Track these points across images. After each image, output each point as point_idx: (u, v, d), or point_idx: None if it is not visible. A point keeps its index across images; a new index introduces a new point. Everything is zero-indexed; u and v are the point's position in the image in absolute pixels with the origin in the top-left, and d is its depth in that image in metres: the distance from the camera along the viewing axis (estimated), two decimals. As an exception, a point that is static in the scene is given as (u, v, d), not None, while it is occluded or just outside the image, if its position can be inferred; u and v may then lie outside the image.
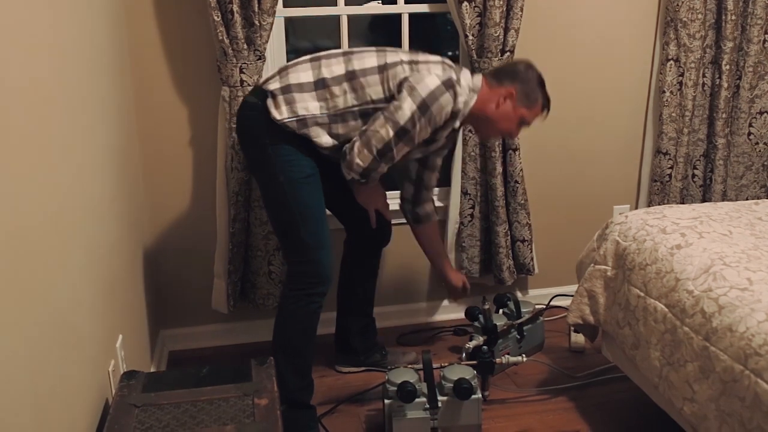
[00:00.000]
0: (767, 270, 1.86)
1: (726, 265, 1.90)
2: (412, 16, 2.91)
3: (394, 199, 2.83)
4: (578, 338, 2.87)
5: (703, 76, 3.06)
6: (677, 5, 2.93)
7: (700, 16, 2.94)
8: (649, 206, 3.12)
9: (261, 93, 2.23)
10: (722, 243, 2.03)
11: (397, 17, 2.91)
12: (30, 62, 1.42)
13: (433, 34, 3.68)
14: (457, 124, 2.29)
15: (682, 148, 3.09)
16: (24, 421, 1.23)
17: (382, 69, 2.22)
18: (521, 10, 2.74)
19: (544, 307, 3.14)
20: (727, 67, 3.02)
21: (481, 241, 3.04)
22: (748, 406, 1.64)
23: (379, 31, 3.73)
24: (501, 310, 2.86)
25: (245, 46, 2.56)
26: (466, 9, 2.71)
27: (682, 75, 3.02)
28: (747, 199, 3.22)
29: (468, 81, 2.29)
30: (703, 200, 3.22)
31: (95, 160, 1.92)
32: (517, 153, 2.91)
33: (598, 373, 2.71)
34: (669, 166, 3.11)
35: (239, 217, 2.71)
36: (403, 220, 2.67)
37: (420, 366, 2.30)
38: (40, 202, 1.42)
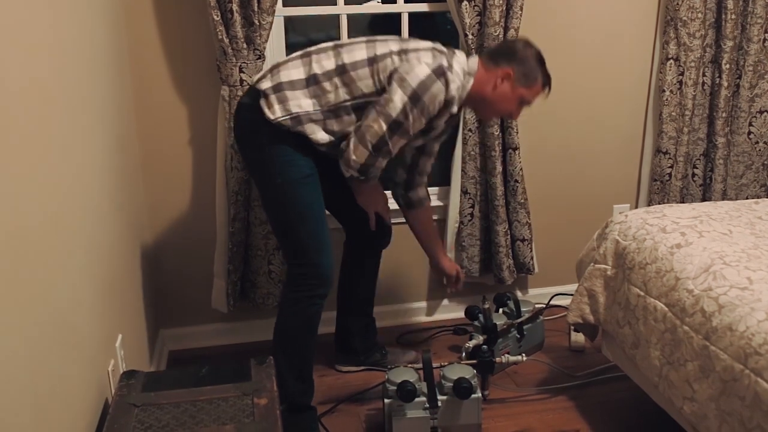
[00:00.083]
0: (767, 269, 1.86)
1: (726, 265, 1.90)
2: (411, 15, 2.91)
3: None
4: (578, 337, 2.87)
5: (703, 75, 3.06)
6: (677, 4, 2.93)
7: (700, 15, 2.94)
8: (649, 205, 3.11)
9: (254, 93, 2.22)
10: (722, 242, 2.03)
11: (397, 16, 2.91)
12: (30, 62, 1.42)
13: (433, 34, 3.67)
14: (455, 109, 2.26)
15: (682, 148, 3.09)
16: (24, 420, 1.23)
17: (372, 61, 2.19)
18: (521, 9, 2.74)
19: (544, 306, 3.14)
20: (727, 66, 3.02)
21: (481, 241, 3.04)
22: (748, 405, 1.64)
23: (379, 30, 3.70)
24: (501, 310, 2.86)
25: (245, 46, 2.56)
26: (466, 8, 2.71)
27: (682, 74, 3.02)
28: (747, 198, 3.21)
29: (462, 64, 2.25)
30: (703, 199, 3.22)
31: (95, 160, 1.92)
32: (517, 152, 2.91)
33: (598, 372, 2.71)
34: (669, 165, 3.11)
35: (239, 216, 2.71)
36: (403, 220, 2.67)
37: (420, 365, 2.30)
38: (40, 202, 1.42)
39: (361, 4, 3.24)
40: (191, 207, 2.85)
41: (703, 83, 3.07)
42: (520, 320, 2.77)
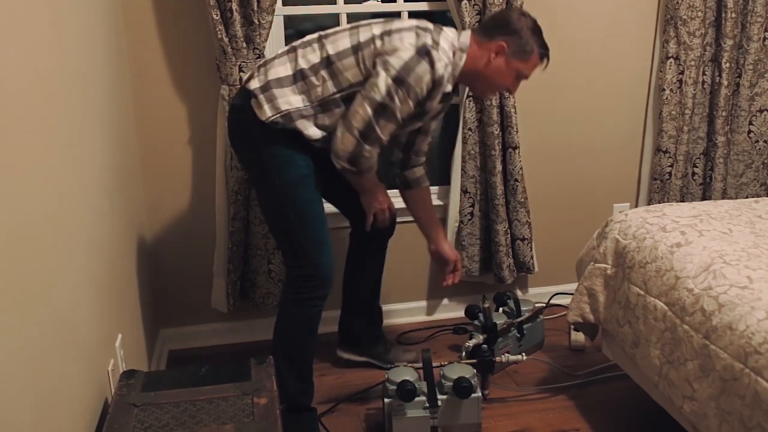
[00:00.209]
0: (767, 268, 1.85)
1: (726, 263, 1.90)
2: (411, 13, 2.91)
3: (399, 197, 2.83)
4: (578, 336, 2.87)
5: (703, 74, 3.06)
6: (677, 3, 2.93)
7: (699, 13, 2.93)
8: (649, 204, 3.11)
9: (244, 93, 2.20)
10: (722, 241, 2.03)
11: (396, 15, 2.91)
12: (29, 61, 1.42)
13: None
14: (449, 87, 2.20)
15: (682, 146, 3.09)
16: (24, 420, 1.23)
17: (356, 49, 2.15)
18: (521, 6, 2.74)
19: (544, 305, 3.14)
20: (727, 65, 3.02)
21: (481, 240, 3.03)
22: (748, 404, 1.64)
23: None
24: (501, 309, 2.86)
25: (244, 45, 2.56)
26: (466, 7, 2.71)
27: (682, 73, 3.02)
28: (747, 197, 3.21)
29: (452, 41, 2.18)
30: (703, 198, 3.22)
31: (94, 159, 1.92)
32: (517, 151, 2.91)
33: (598, 371, 2.71)
34: (669, 164, 3.11)
35: (239, 215, 2.70)
36: (406, 218, 2.67)
37: (420, 365, 2.30)
38: (40, 202, 1.42)
39: (360, 2, 3.24)
40: (191, 206, 2.84)
41: (703, 82, 3.07)
42: (520, 319, 2.77)
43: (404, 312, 3.13)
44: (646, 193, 3.22)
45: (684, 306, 1.91)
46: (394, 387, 2.23)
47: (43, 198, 1.44)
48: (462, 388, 2.21)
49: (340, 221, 2.68)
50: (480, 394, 2.28)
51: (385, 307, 3.03)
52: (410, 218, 2.86)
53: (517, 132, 2.89)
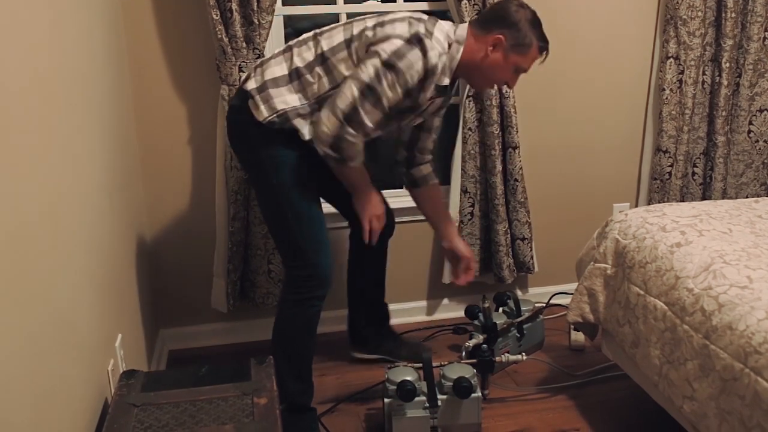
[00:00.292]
0: (767, 268, 1.85)
1: (726, 263, 1.90)
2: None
3: (397, 197, 2.83)
4: (578, 336, 2.87)
5: (703, 73, 3.06)
6: (677, 3, 2.93)
7: (699, 13, 2.93)
8: (649, 204, 3.11)
9: (242, 94, 2.19)
10: (722, 241, 2.03)
11: (397, 15, 2.91)
12: (29, 61, 1.42)
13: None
14: (446, 80, 2.16)
15: (682, 146, 3.09)
16: (23, 420, 1.23)
17: (349, 42, 2.13)
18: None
19: (544, 305, 3.14)
20: (727, 64, 3.02)
21: (481, 240, 3.03)
22: (748, 404, 1.64)
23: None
24: (501, 309, 2.86)
25: (244, 45, 2.56)
26: (465, 7, 2.71)
27: (681, 73, 3.02)
28: (747, 197, 3.21)
29: (448, 32, 2.14)
30: (703, 198, 3.22)
31: (94, 159, 1.92)
32: (516, 151, 2.91)
33: (598, 371, 2.71)
34: (669, 164, 3.11)
35: (239, 215, 2.70)
36: (405, 218, 2.67)
37: (419, 364, 2.30)
38: (40, 202, 1.42)
39: (360, 2, 3.23)
40: (191, 206, 2.84)
41: (703, 82, 3.07)
42: (520, 319, 2.77)
43: (404, 312, 3.13)
44: (646, 192, 3.22)
45: (684, 306, 1.91)
46: (394, 387, 2.23)
47: (43, 198, 1.44)
48: (462, 388, 2.21)
49: (340, 221, 2.68)
50: (480, 394, 2.28)
51: (385, 307, 3.04)
52: (409, 218, 2.87)
53: (517, 132, 2.89)
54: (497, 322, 2.66)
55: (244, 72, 2.57)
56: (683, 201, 3.18)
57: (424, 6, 2.89)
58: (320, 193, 2.35)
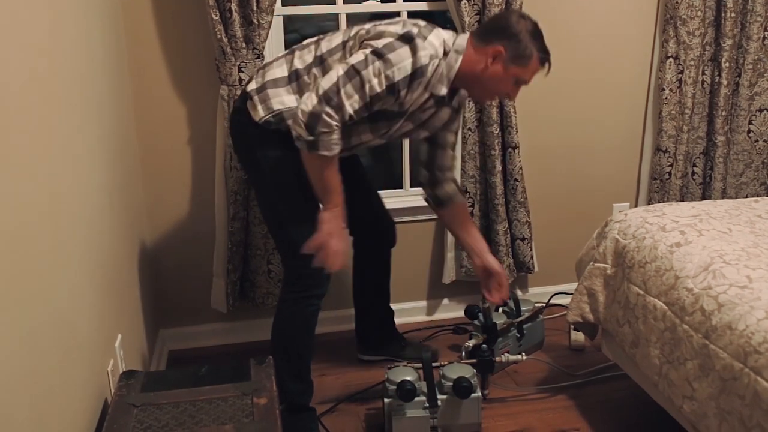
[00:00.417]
0: (767, 267, 1.85)
1: (725, 263, 1.90)
2: (410, 13, 2.91)
3: (397, 197, 2.83)
4: (578, 336, 2.87)
5: (703, 73, 3.06)
6: (676, 2, 2.93)
7: (699, 13, 2.93)
8: (649, 204, 3.12)
9: (243, 95, 2.21)
10: (722, 241, 2.03)
11: (396, 15, 2.91)
12: (29, 61, 1.42)
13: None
14: (443, 90, 2.13)
15: (681, 146, 3.09)
16: (23, 420, 1.23)
17: (345, 43, 2.14)
18: (520, 7, 2.74)
19: (544, 305, 3.14)
20: (727, 64, 3.02)
21: (481, 240, 3.03)
22: (748, 404, 1.64)
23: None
24: (501, 309, 2.86)
25: (244, 45, 2.56)
26: (465, 7, 2.71)
27: (681, 72, 3.02)
28: (747, 197, 3.21)
29: (446, 40, 2.11)
30: (703, 198, 3.21)
31: (94, 160, 1.92)
32: (516, 151, 2.91)
33: (597, 371, 2.71)
34: (668, 163, 3.11)
35: (238, 215, 2.70)
36: (405, 218, 2.67)
37: (419, 364, 2.30)
38: (40, 202, 1.42)
39: (360, 2, 3.24)
40: (190, 206, 2.84)
41: (703, 81, 3.07)
42: (519, 319, 2.77)
43: (404, 312, 3.12)
44: (646, 192, 3.21)
45: (683, 306, 1.91)
46: (394, 387, 2.23)
47: (43, 198, 1.44)
48: (462, 388, 2.21)
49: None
50: (480, 394, 2.28)
51: (385, 307, 3.04)
52: (409, 218, 2.87)
53: (516, 132, 2.89)
54: (497, 322, 2.66)
55: (243, 72, 2.57)
56: (683, 201, 3.18)
57: (424, 6, 2.89)
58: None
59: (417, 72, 2.03)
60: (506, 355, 2.53)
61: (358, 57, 2.01)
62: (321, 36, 2.23)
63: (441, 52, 2.09)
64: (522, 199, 2.97)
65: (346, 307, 3.04)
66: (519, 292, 3.23)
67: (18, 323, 1.24)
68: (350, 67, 1.99)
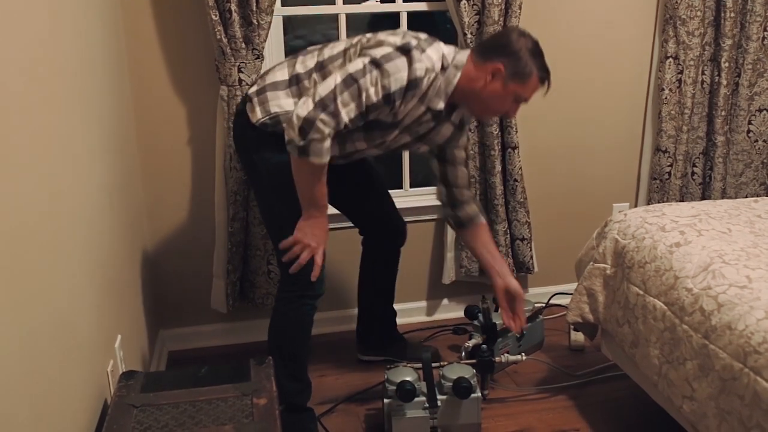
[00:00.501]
0: (766, 268, 1.85)
1: (725, 263, 1.90)
2: (410, 14, 2.91)
3: (400, 197, 2.82)
4: (578, 336, 2.87)
5: (702, 73, 3.06)
6: (676, 2, 2.93)
7: (699, 13, 2.93)
8: (649, 204, 3.12)
9: (244, 98, 2.24)
10: (721, 241, 2.03)
11: (396, 15, 2.91)
12: (28, 62, 1.42)
13: (432, 33, 3.68)
14: (440, 104, 2.13)
15: (681, 146, 3.09)
16: (22, 421, 1.23)
17: (346, 50, 2.15)
18: (519, 8, 2.74)
19: (544, 305, 3.14)
20: (726, 64, 3.02)
21: (481, 240, 3.03)
22: (748, 404, 1.64)
23: (379, 30, 3.72)
24: (500, 309, 2.86)
25: (243, 46, 2.56)
26: (465, 7, 2.71)
27: (681, 72, 3.02)
28: (746, 197, 3.21)
29: (445, 54, 2.11)
30: (703, 198, 3.22)
31: (94, 160, 1.92)
32: (516, 151, 2.91)
33: (597, 371, 2.71)
34: (668, 163, 3.11)
35: (238, 216, 2.70)
36: (404, 218, 2.66)
37: (419, 365, 2.30)
38: (39, 202, 1.42)
39: (359, 3, 3.24)
40: (190, 207, 2.84)
41: (703, 81, 3.07)
42: (519, 319, 2.77)
43: (404, 312, 3.12)
44: (646, 192, 3.22)
45: (683, 306, 1.91)
46: (394, 387, 2.23)
47: (43, 198, 1.44)
48: (461, 389, 2.21)
49: (344, 221, 2.69)
50: (479, 394, 2.28)
51: (384, 308, 3.04)
52: (409, 219, 2.86)
53: (516, 132, 2.89)
54: (497, 323, 2.66)
55: (243, 72, 2.57)
56: (683, 201, 3.18)
57: (423, 6, 2.89)
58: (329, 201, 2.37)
59: (411, 84, 2.03)
60: (506, 355, 2.53)
61: (356, 65, 2.01)
62: (326, 43, 2.25)
63: (439, 66, 2.09)
64: (521, 200, 2.97)
65: (346, 307, 3.04)
66: (519, 293, 3.23)
67: (18, 324, 1.24)
68: (348, 75, 2.00)
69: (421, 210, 3.01)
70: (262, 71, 2.62)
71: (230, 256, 2.74)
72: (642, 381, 2.24)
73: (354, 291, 2.82)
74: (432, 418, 2.24)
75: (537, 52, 2.09)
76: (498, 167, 2.90)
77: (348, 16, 2.86)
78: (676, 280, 1.97)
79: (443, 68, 2.10)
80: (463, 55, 2.13)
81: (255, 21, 2.52)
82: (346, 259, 2.91)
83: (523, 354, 2.57)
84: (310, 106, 1.97)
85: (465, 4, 2.71)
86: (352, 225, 2.69)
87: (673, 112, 3.06)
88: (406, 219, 2.89)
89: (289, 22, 3.57)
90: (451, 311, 3.18)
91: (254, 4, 2.50)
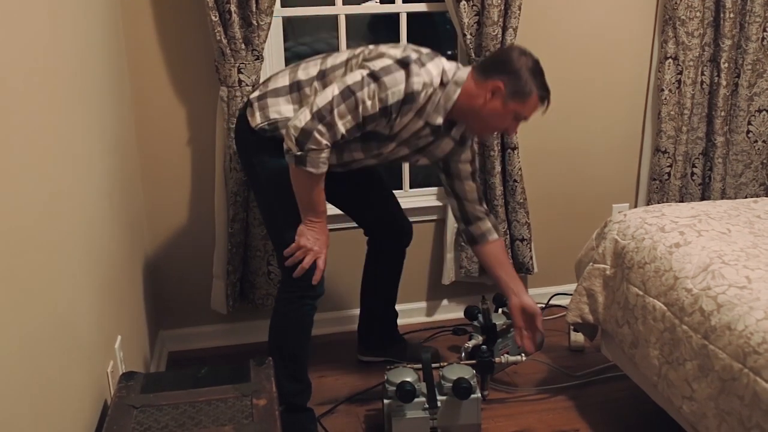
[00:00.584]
0: (766, 268, 1.86)
1: (725, 264, 1.90)
2: (410, 15, 2.91)
3: (400, 198, 2.82)
4: (577, 337, 2.87)
5: (702, 74, 3.06)
6: (675, 3, 2.93)
7: (698, 14, 2.94)
8: (648, 205, 3.12)
9: (246, 102, 2.26)
10: (721, 241, 2.03)
11: (396, 16, 2.91)
12: (28, 64, 1.42)
13: (432, 34, 3.68)
14: (439, 119, 2.14)
15: (681, 147, 3.09)
16: (22, 422, 1.23)
17: (348, 60, 2.17)
18: (519, 8, 2.74)
19: (544, 306, 3.14)
20: (726, 65, 3.02)
21: (480, 241, 3.03)
22: (747, 404, 1.64)
23: (379, 31, 3.73)
24: (500, 309, 2.86)
25: (243, 46, 2.56)
26: (464, 8, 2.71)
27: (680, 73, 3.02)
28: (746, 197, 3.21)
29: (446, 70, 2.12)
30: (702, 198, 3.22)
31: (94, 161, 1.92)
32: (515, 152, 2.91)
33: (597, 372, 2.71)
34: (668, 164, 3.11)
35: (238, 217, 2.71)
36: (417, 218, 2.67)
37: (419, 365, 2.30)
38: (39, 203, 1.42)
39: (359, 4, 3.24)
40: (190, 208, 2.85)
41: (702, 82, 3.07)
42: (519, 320, 2.77)
43: (404, 313, 3.12)
44: (645, 193, 3.22)
45: (683, 306, 1.91)
46: (394, 388, 2.23)
47: (43, 199, 1.44)
48: (461, 389, 2.21)
49: (346, 221, 2.69)
50: (479, 394, 2.28)
51: (384, 308, 3.04)
52: (410, 219, 2.86)
53: (515, 133, 2.89)
54: (496, 323, 2.66)
55: (243, 73, 2.58)
56: (682, 201, 3.18)
57: (423, 7, 2.89)
58: (333, 203, 2.41)
59: (408, 97, 2.05)
60: (506, 356, 2.53)
61: (354, 77, 2.03)
62: (330, 52, 2.27)
63: (438, 81, 2.10)
64: (521, 200, 2.97)
65: (346, 308, 3.04)
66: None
67: (18, 324, 1.24)
68: (346, 87, 2.02)
69: (421, 210, 3.01)
70: (261, 72, 2.63)
71: (230, 256, 2.74)
72: (642, 381, 2.24)
73: (354, 292, 2.82)
74: (432, 418, 2.24)
75: (537, 71, 2.10)
76: (497, 168, 2.90)
77: (348, 17, 2.86)
78: (675, 280, 1.97)
79: (443, 84, 2.12)
80: (464, 72, 2.14)
81: (255, 22, 2.53)
82: (345, 260, 2.91)
83: (522, 354, 2.56)
84: (308, 116, 2.00)
85: (464, 4, 2.71)
86: (351, 226, 2.70)
87: (672, 112, 3.06)
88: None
89: (292, 29, 3.58)
90: (451, 312, 3.18)
91: (254, 5, 2.50)
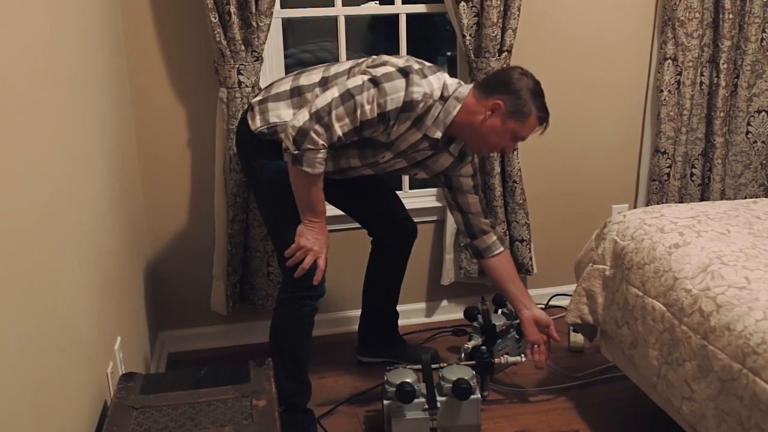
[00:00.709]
0: (765, 268, 1.86)
1: (724, 264, 1.90)
2: (409, 16, 2.91)
3: (405, 198, 2.82)
4: (577, 338, 2.87)
5: (701, 74, 3.07)
6: (674, 4, 2.93)
7: (697, 14, 2.94)
8: (648, 205, 3.12)
9: (248, 106, 2.28)
10: (720, 242, 2.03)
11: (395, 18, 2.92)
12: (28, 64, 1.42)
13: (431, 35, 3.68)
14: (438, 133, 2.16)
15: (680, 147, 3.09)
16: (22, 422, 1.23)
17: (351, 69, 2.19)
18: (518, 9, 2.74)
19: (543, 306, 3.14)
20: (725, 65, 3.02)
21: (480, 241, 3.03)
22: (747, 404, 1.64)
23: (378, 32, 3.73)
24: (500, 310, 2.86)
25: (243, 48, 2.56)
26: (464, 9, 2.71)
27: (680, 74, 3.02)
28: (745, 198, 3.21)
29: (447, 84, 2.15)
30: (702, 199, 3.22)
31: (93, 162, 1.92)
32: (515, 152, 2.91)
33: (597, 372, 2.71)
34: (667, 165, 3.11)
35: (238, 218, 2.71)
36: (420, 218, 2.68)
37: (418, 365, 2.30)
38: (39, 204, 1.42)
39: (359, 5, 3.24)
40: (190, 209, 2.85)
41: (701, 83, 3.08)
42: (518, 321, 2.76)
43: (403, 313, 3.11)
44: (645, 194, 3.22)
45: (682, 307, 1.91)
46: (393, 389, 2.23)
47: (42, 200, 1.44)
48: (461, 390, 2.21)
49: (348, 222, 2.69)
50: (479, 395, 2.28)
51: (384, 309, 3.04)
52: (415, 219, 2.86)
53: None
54: (496, 324, 2.66)
55: (242, 75, 2.58)
56: (681, 202, 3.19)
57: (423, 8, 2.89)
58: (335, 204, 2.42)
59: (406, 105, 2.06)
60: (505, 356, 2.53)
61: (355, 81, 2.06)
62: (333, 62, 2.30)
63: (438, 94, 2.12)
64: (521, 201, 2.97)
65: (345, 309, 3.05)
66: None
67: (18, 325, 1.24)
68: (346, 90, 2.04)
69: (420, 211, 3.02)
70: (261, 73, 2.64)
71: (230, 257, 2.74)
72: (641, 382, 2.24)
73: (354, 293, 2.82)
74: (431, 419, 2.24)
75: (537, 92, 2.13)
76: (497, 168, 2.90)
77: (347, 18, 2.86)
78: (675, 281, 1.97)
79: (443, 97, 2.14)
80: (466, 89, 2.17)
81: (254, 23, 2.53)
82: (346, 261, 2.91)
83: (522, 355, 2.57)
84: (306, 116, 2.02)
85: (464, 5, 2.71)
86: (351, 227, 2.70)
87: (672, 113, 3.07)
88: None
89: (292, 31, 3.58)
90: (451, 312, 3.18)
91: (253, 6, 2.51)
